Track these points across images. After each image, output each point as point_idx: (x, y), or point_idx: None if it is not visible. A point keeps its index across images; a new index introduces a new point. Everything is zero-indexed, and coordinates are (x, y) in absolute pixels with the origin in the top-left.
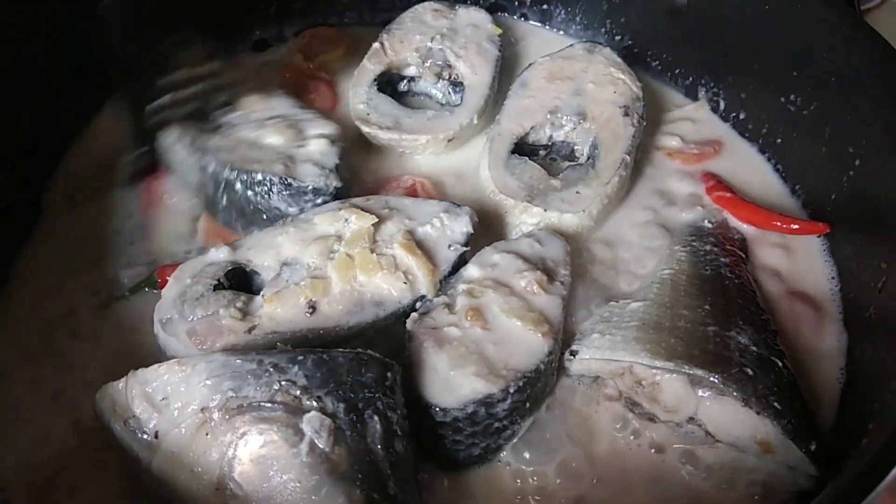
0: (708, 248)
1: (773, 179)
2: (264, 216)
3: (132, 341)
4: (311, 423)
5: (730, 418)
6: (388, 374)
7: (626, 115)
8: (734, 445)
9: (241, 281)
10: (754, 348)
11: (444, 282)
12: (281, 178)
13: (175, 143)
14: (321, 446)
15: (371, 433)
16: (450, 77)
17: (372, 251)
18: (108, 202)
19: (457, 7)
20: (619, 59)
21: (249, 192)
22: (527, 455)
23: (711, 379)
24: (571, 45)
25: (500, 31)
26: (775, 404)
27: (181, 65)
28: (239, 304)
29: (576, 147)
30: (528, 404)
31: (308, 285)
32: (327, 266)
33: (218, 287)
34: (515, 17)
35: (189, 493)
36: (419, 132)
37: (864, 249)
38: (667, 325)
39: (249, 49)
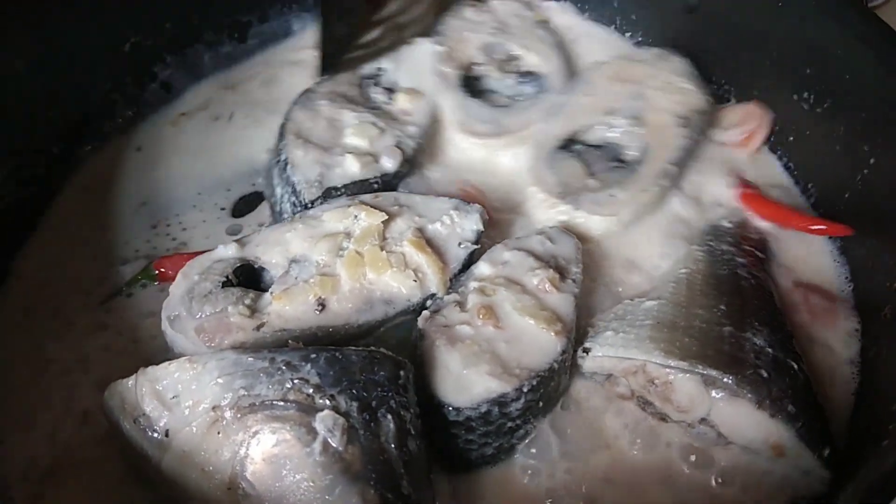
0: (725, 247)
1: (784, 178)
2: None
3: (134, 337)
4: (325, 421)
5: (743, 420)
6: (401, 373)
7: (683, 125)
8: (747, 448)
9: (249, 278)
10: (770, 350)
11: (455, 280)
12: (294, 185)
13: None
14: (334, 445)
15: (384, 432)
16: (515, 69)
17: (381, 248)
18: (112, 196)
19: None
20: (690, 69)
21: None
22: (539, 455)
23: (725, 380)
24: (644, 49)
25: (540, 16)
26: (789, 407)
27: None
28: (247, 302)
29: (624, 150)
30: (541, 403)
31: (317, 282)
32: (336, 263)
33: (226, 284)
34: None
35: (200, 492)
36: (524, 126)
37: (878, 248)
38: (681, 325)
39: None
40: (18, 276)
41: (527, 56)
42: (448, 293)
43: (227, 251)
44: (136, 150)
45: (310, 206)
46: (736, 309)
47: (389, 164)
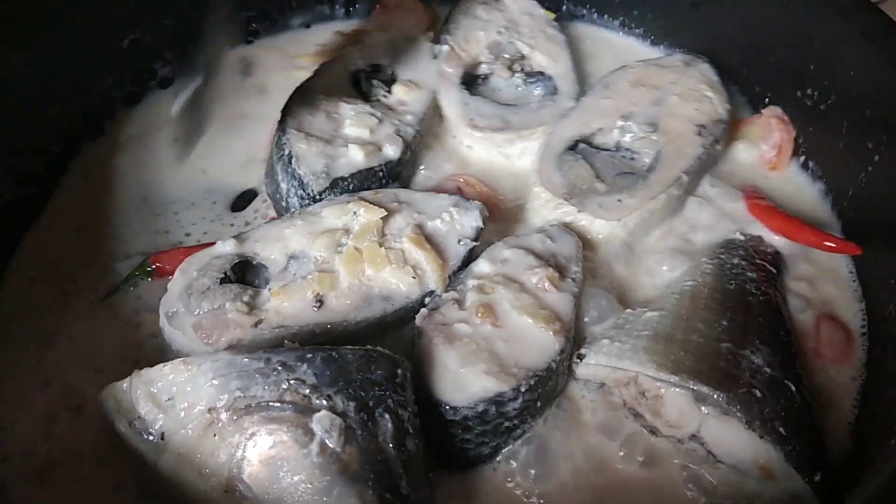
0: (736, 261)
1: (794, 174)
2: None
3: (132, 333)
4: (322, 422)
5: (732, 439)
6: (399, 371)
7: (700, 134)
8: (736, 468)
9: (247, 274)
10: (767, 369)
11: (454, 277)
12: (301, 178)
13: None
14: (332, 446)
15: (382, 432)
16: (523, 69)
17: (380, 245)
18: (111, 192)
19: None
20: (715, 77)
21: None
22: (532, 458)
23: (716, 396)
24: (671, 55)
25: (552, 14)
26: (780, 429)
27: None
28: (245, 298)
29: (638, 156)
30: (538, 403)
31: (315, 279)
32: (335, 260)
33: (224, 280)
34: None
35: (197, 494)
36: (531, 126)
37: (884, 241)
38: (679, 338)
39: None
40: (16, 272)
41: (534, 56)
42: (447, 291)
43: (226, 247)
44: (135, 146)
45: (319, 197)
46: (738, 325)
47: (392, 151)
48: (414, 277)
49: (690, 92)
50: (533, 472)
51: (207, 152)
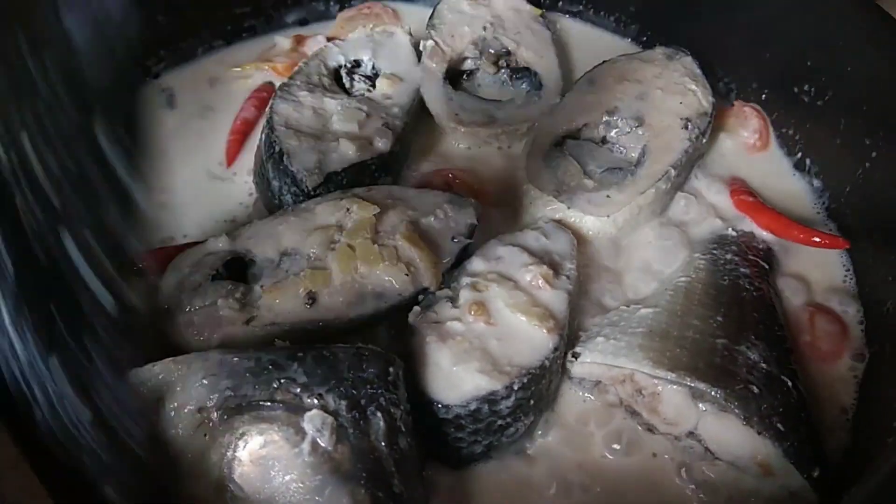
0: (729, 256)
1: (789, 171)
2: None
3: None
4: (313, 421)
5: (730, 436)
6: (391, 369)
7: (685, 127)
8: (734, 465)
9: (239, 271)
10: (763, 365)
11: (447, 274)
12: (294, 174)
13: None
14: (323, 445)
15: (374, 430)
16: (508, 65)
17: (374, 242)
18: None
19: None
20: (697, 71)
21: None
22: (529, 454)
23: (713, 393)
24: (653, 49)
25: (539, 11)
26: (778, 425)
27: None
28: (238, 295)
29: (624, 151)
30: (532, 402)
31: (308, 276)
32: (328, 257)
33: (216, 277)
34: None
35: (188, 495)
36: (517, 122)
37: (881, 243)
38: (674, 335)
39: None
40: None
41: (521, 52)
42: (440, 288)
43: (218, 244)
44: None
45: (313, 193)
46: (733, 321)
47: (382, 144)
48: (407, 275)
49: (673, 86)
50: (528, 469)
51: (201, 148)
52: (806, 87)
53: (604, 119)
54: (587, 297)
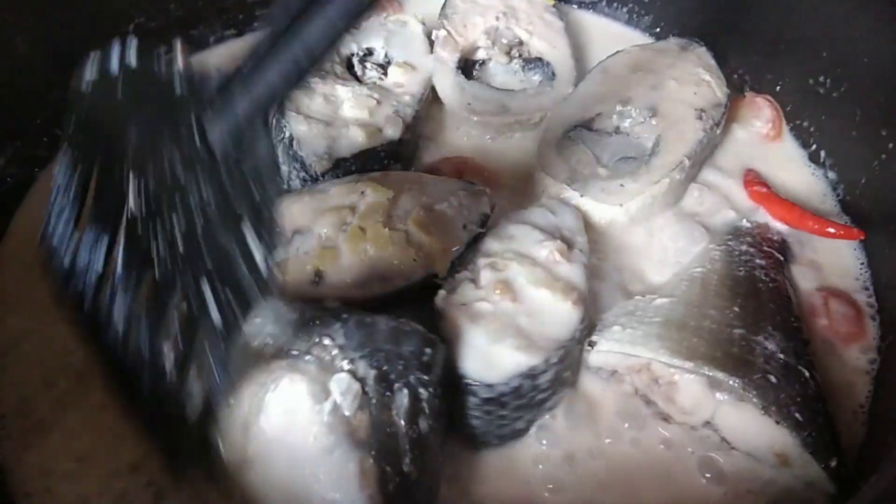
0: (744, 248)
1: (803, 163)
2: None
3: None
4: (340, 384)
5: (748, 426)
6: (428, 350)
7: (700, 118)
8: (750, 455)
9: None
10: (781, 356)
11: (459, 259)
12: (303, 159)
13: None
14: (344, 409)
15: (397, 406)
16: (520, 55)
17: (385, 226)
18: None
19: None
20: (712, 62)
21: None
22: (545, 442)
23: (731, 382)
24: (667, 40)
25: (551, 1)
26: (796, 415)
27: None
28: None
29: (638, 141)
30: (566, 373)
31: (316, 255)
32: (339, 237)
33: None
34: None
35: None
36: (529, 111)
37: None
38: (691, 325)
39: None
40: (15, 234)
41: (534, 42)
42: (458, 271)
43: None
44: None
45: (322, 178)
46: (750, 311)
47: (392, 131)
48: (415, 260)
49: (688, 76)
50: (544, 456)
51: None
52: (821, 79)
53: (617, 109)
54: (601, 286)
